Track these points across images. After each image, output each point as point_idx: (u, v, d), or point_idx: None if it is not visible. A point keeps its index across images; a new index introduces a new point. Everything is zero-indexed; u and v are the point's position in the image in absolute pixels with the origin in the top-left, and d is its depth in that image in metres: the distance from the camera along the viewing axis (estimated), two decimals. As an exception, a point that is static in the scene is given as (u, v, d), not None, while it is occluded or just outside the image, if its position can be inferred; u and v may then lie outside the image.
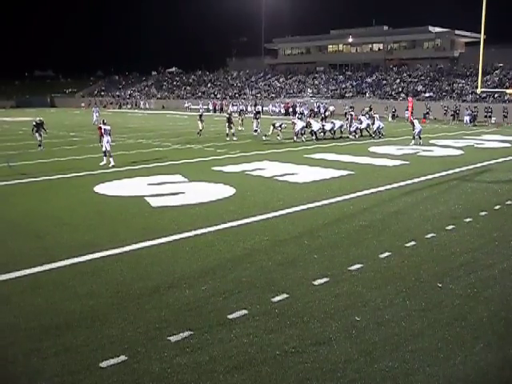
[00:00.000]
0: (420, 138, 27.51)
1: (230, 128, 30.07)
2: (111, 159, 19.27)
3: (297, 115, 35.40)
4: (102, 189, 14.84)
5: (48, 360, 5.51)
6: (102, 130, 19.44)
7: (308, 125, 30.55)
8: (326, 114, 43.09)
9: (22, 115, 60.04)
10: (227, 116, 31.21)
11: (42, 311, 6.68)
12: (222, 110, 70.02)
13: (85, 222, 11.25)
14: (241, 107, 53.54)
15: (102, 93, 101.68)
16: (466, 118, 45.84)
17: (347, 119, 33.68)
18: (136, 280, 7.74)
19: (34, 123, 24.90)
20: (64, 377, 5.21)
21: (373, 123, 32.43)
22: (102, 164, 19.32)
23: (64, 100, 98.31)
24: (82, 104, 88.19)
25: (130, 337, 5.99)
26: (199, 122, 31.71)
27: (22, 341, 5.92)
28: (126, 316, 6.52)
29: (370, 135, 32.12)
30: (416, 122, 28.07)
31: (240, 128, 35.70)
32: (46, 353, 5.65)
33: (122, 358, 5.54)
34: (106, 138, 19.32)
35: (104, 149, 19.42)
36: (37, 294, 7.23)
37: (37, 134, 24.67)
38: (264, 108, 61.97)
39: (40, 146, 24.46)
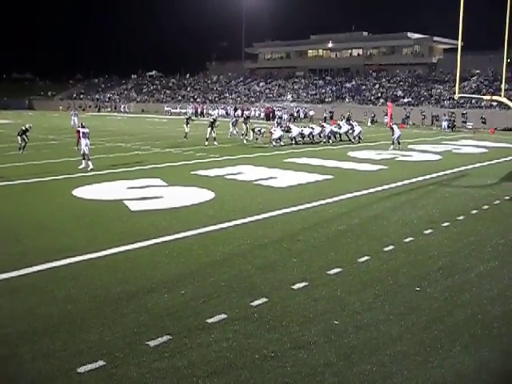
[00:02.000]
0: (399, 143, 27.78)
1: (212, 132, 29.59)
2: (90, 163, 19.09)
3: (276, 120, 35.27)
4: (80, 192, 14.72)
5: (24, 366, 5.45)
6: (81, 133, 19.31)
7: (288, 129, 30.64)
8: (303, 117, 43.19)
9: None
10: (212, 120, 30.45)
11: (19, 316, 6.60)
12: (202, 113, 69.95)
13: (63, 225, 11.15)
14: (246, 113, 50.63)
15: (82, 96, 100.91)
16: (444, 124, 46.28)
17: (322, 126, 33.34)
18: (114, 284, 7.68)
19: (24, 128, 24.61)
20: (41, 383, 5.15)
21: (353, 130, 32.51)
22: (80, 167, 19.14)
23: (43, 103, 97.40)
24: (60, 106, 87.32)
25: (109, 342, 5.95)
26: (185, 126, 31.57)
27: (-2, 346, 5.85)
28: (104, 321, 6.47)
29: (350, 140, 32.25)
30: (395, 127, 28.38)
31: (247, 137, 32.00)
32: (23, 358, 5.58)
33: (100, 363, 5.50)
34: (84, 141, 19.16)
35: (82, 152, 19.24)
36: (13, 299, 7.14)
37: (19, 138, 24.34)
38: (245, 112, 62.00)
39: (21, 149, 24.07)
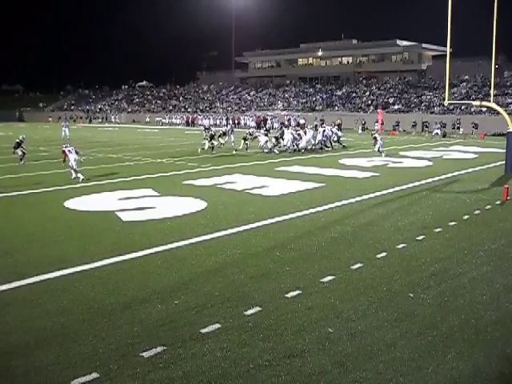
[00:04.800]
0: (380, 151, 28.03)
1: (212, 143, 29.49)
2: (79, 174, 19.20)
3: (262, 130, 35.02)
4: (72, 204, 14.66)
5: (17, 380, 5.41)
6: (67, 151, 19.63)
7: (298, 137, 30.75)
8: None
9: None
10: (211, 133, 30.10)
11: (11, 329, 6.56)
12: (193, 123, 70.07)
13: (55, 237, 11.09)
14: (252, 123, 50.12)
15: (72, 107, 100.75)
16: (437, 131, 46.05)
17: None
18: (107, 296, 7.65)
19: (18, 141, 25.14)
20: (34, 396, 5.12)
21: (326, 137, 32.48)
22: (72, 178, 19.15)
23: (33, 114, 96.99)
24: (50, 118, 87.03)
25: (102, 353, 5.91)
26: (206, 141, 29.87)
27: (-9, 360, 5.80)
28: (97, 332, 6.43)
29: (327, 146, 32.42)
30: (378, 136, 28.57)
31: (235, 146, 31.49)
32: (15, 372, 5.54)
33: (94, 375, 5.46)
34: (72, 156, 19.55)
35: (71, 166, 19.48)
36: (5, 312, 7.09)
37: (17, 150, 24.90)
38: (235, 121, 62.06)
39: (22, 160, 24.64)
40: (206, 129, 32.41)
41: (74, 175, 19.43)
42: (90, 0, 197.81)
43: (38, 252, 9.98)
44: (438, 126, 46.99)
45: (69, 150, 19.69)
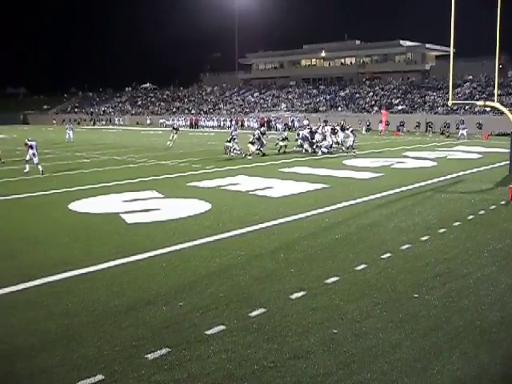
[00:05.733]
0: (347, 148, 29.57)
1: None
2: (27, 166, 22.02)
3: (256, 132, 34.69)
4: (76, 206, 14.69)
5: (22, 382, 5.42)
6: (29, 144, 22.20)
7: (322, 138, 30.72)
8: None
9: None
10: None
11: (16, 332, 6.57)
12: (196, 125, 70.18)
13: (59, 240, 11.11)
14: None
15: (76, 109, 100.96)
16: (462, 132, 43.12)
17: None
18: (112, 298, 7.66)
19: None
20: (39, 398, 5.12)
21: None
22: (24, 172, 21.78)
23: (37, 117, 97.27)
24: (54, 121, 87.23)
25: (107, 355, 5.92)
26: (250, 145, 29.16)
27: (-4, 363, 5.82)
28: (102, 334, 6.44)
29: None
30: (350, 133, 29.59)
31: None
32: (20, 375, 5.55)
33: (99, 377, 5.47)
34: (31, 151, 22.08)
35: (28, 158, 22.07)
36: (10, 315, 7.11)
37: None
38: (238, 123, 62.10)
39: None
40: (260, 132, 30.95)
41: (27, 169, 22.03)
42: (93, 2, 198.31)
43: (43, 254, 10.00)
44: (464, 125, 44.34)
45: (30, 146, 22.11)
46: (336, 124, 35.72)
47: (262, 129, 33.68)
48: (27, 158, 22.06)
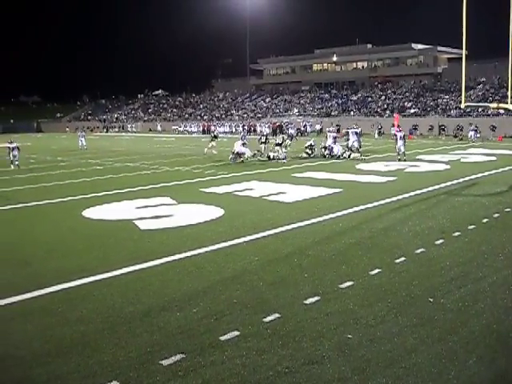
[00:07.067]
0: (352, 150, 29.82)
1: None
2: (12, 166, 27.29)
3: (241, 135, 34.65)
4: (90, 213, 14.77)
5: (39, 388, 5.45)
6: (11, 147, 27.73)
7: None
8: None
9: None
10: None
11: (32, 338, 6.61)
12: (209, 131, 70.31)
13: (73, 246, 11.18)
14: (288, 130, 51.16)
15: (89, 117, 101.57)
16: (471, 134, 43.42)
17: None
18: (126, 304, 7.68)
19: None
20: (55, 405, 5.15)
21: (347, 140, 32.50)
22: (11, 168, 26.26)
23: (51, 125, 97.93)
24: (67, 128, 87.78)
25: (122, 362, 5.94)
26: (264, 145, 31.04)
27: (12, 369, 5.85)
28: (117, 341, 6.46)
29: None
30: (351, 133, 30.77)
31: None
32: (37, 381, 5.58)
33: (114, 383, 5.49)
34: (14, 153, 27.64)
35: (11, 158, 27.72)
36: (26, 321, 7.16)
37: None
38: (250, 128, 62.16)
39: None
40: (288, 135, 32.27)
41: (12, 167, 27.06)
42: (106, 11, 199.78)
43: (57, 261, 10.06)
44: (473, 127, 44.04)
45: (13, 148, 27.53)
46: (336, 128, 35.88)
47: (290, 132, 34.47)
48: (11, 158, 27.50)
